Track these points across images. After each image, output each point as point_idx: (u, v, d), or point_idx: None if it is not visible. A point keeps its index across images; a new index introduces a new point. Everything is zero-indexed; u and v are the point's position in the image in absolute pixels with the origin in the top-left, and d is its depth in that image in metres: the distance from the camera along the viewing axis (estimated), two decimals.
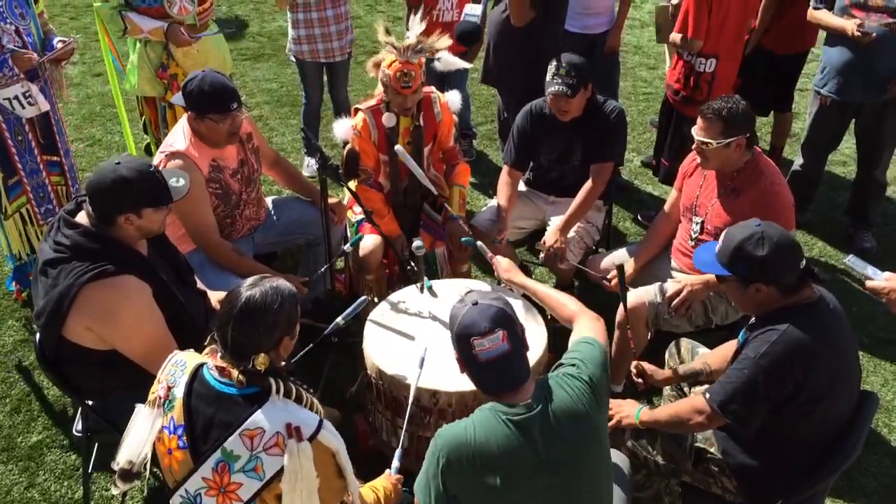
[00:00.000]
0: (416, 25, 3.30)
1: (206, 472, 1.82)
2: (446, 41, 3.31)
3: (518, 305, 2.94)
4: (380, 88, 3.37)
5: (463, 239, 3.12)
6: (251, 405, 1.82)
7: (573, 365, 2.02)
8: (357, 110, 3.45)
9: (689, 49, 3.89)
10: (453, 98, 3.60)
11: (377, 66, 3.30)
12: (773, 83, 4.46)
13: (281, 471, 1.78)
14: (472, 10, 3.99)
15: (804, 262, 2.21)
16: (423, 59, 3.28)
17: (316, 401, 1.96)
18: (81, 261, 2.31)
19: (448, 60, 3.49)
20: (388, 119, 3.36)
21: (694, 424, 2.31)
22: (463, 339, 1.93)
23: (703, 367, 2.64)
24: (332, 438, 1.86)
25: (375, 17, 7.83)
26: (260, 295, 1.86)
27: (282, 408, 1.83)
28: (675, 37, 3.94)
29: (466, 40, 4.08)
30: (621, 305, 3.07)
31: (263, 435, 1.79)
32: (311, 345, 2.61)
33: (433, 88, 3.56)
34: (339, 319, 2.70)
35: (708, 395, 2.26)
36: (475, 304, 1.95)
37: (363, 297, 2.80)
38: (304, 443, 1.79)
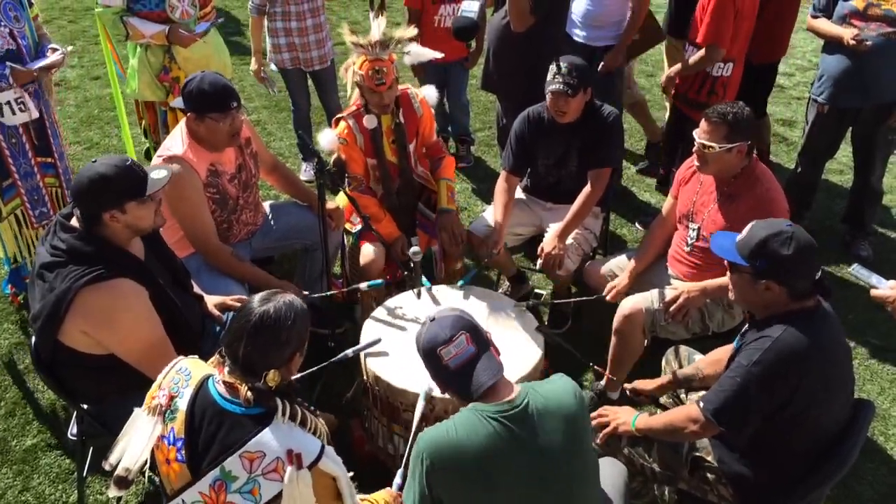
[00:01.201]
0: (378, 22, 3.28)
1: (203, 488, 1.80)
2: (412, 31, 3.33)
3: (511, 311, 2.94)
4: (356, 93, 3.38)
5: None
6: (255, 426, 1.80)
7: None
8: (339, 120, 3.46)
9: (716, 58, 3.85)
10: (429, 93, 3.60)
11: (348, 69, 3.31)
12: (756, 91, 4.44)
13: (278, 495, 1.76)
14: (469, 7, 3.97)
15: (820, 273, 2.20)
16: (394, 55, 3.28)
17: (320, 423, 1.92)
18: (78, 264, 2.30)
19: (417, 52, 3.48)
20: (369, 121, 3.36)
21: (689, 433, 2.30)
22: (430, 354, 1.95)
23: (696, 372, 2.63)
24: (333, 466, 1.83)
25: None
26: (274, 311, 1.85)
27: (285, 432, 1.80)
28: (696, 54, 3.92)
29: (463, 36, 4.06)
30: (619, 310, 3.08)
31: (263, 459, 1.77)
32: (315, 368, 2.59)
33: (409, 85, 3.58)
34: (348, 351, 2.70)
35: (702, 404, 2.25)
36: (432, 319, 1.99)
37: (378, 337, 2.77)
38: (303, 470, 1.77)
